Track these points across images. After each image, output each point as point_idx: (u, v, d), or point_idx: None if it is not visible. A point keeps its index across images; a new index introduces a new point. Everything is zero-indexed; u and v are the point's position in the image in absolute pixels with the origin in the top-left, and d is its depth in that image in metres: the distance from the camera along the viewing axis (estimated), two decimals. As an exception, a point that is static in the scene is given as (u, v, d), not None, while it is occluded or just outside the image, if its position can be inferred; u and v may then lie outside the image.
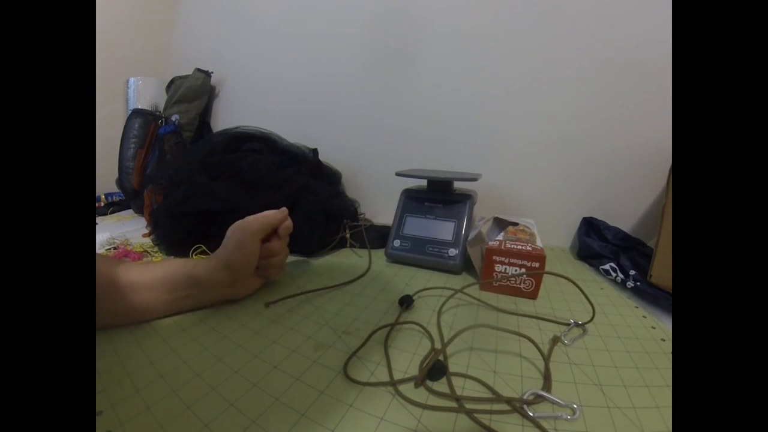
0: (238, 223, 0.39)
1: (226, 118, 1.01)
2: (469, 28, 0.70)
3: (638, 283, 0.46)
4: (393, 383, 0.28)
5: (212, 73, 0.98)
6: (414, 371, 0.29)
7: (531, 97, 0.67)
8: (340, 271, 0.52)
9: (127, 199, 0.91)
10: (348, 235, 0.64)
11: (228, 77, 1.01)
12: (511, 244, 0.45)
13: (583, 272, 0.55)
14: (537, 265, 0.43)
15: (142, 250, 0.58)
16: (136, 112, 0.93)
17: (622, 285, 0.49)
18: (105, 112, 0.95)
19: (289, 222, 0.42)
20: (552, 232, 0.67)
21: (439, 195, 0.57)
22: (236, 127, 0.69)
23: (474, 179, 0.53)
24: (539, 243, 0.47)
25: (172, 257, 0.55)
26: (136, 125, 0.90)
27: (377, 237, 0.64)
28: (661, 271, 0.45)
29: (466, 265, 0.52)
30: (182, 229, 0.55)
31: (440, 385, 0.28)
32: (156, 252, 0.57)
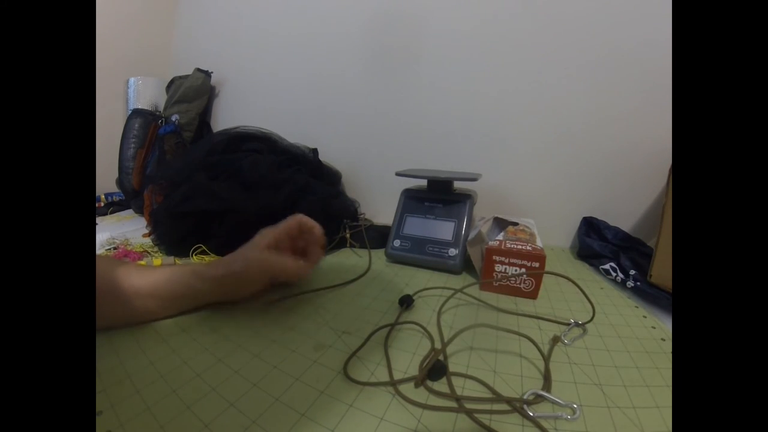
0: (256, 240, 0.39)
1: (226, 118, 1.01)
2: (469, 28, 0.70)
3: (638, 283, 0.46)
4: (393, 383, 0.28)
5: (212, 73, 0.98)
6: (414, 371, 0.29)
7: (531, 97, 0.67)
8: (340, 271, 0.52)
9: (127, 199, 0.91)
10: (348, 235, 0.64)
11: (228, 77, 1.01)
12: (511, 244, 0.45)
13: (583, 272, 0.55)
14: (537, 265, 0.43)
15: (142, 250, 0.57)
16: (136, 112, 0.93)
17: (622, 285, 0.49)
18: (105, 112, 0.95)
19: (319, 240, 0.43)
20: (552, 232, 0.67)
21: (439, 195, 0.57)
22: (236, 127, 0.69)
23: (474, 179, 0.53)
24: (539, 243, 0.47)
25: (172, 257, 0.55)
26: (136, 125, 0.90)
27: (377, 237, 0.64)
28: (661, 271, 0.45)
29: (466, 265, 0.52)
30: (182, 229, 0.55)
31: (440, 385, 0.28)
32: (156, 252, 0.57)
